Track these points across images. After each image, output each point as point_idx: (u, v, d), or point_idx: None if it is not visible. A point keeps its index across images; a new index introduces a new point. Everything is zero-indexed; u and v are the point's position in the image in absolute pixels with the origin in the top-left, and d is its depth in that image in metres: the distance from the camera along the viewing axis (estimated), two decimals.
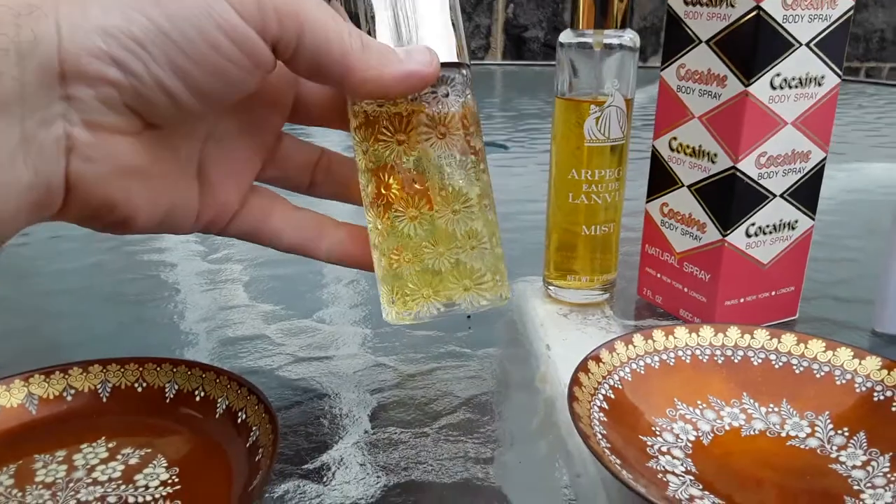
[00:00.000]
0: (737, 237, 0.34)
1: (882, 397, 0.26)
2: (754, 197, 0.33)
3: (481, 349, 0.35)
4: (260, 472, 0.23)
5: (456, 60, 0.30)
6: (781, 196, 0.34)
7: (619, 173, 0.36)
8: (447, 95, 0.30)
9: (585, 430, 0.23)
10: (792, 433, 0.26)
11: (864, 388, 0.27)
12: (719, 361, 0.29)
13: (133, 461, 0.25)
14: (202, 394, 0.27)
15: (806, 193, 0.35)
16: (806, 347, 0.28)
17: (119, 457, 0.25)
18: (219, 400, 0.27)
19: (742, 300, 0.35)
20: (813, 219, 0.35)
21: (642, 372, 0.28)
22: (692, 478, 0.24)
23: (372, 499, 0.24)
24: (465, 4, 1.82)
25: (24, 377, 0.27)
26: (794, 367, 0.28)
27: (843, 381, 0.27)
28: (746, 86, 0.31)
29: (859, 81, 1.23)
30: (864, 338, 0.35)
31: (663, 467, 0.24)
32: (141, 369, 0.28)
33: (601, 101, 0.34)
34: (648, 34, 1.99)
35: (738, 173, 0.32)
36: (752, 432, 0.26)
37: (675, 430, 0.26)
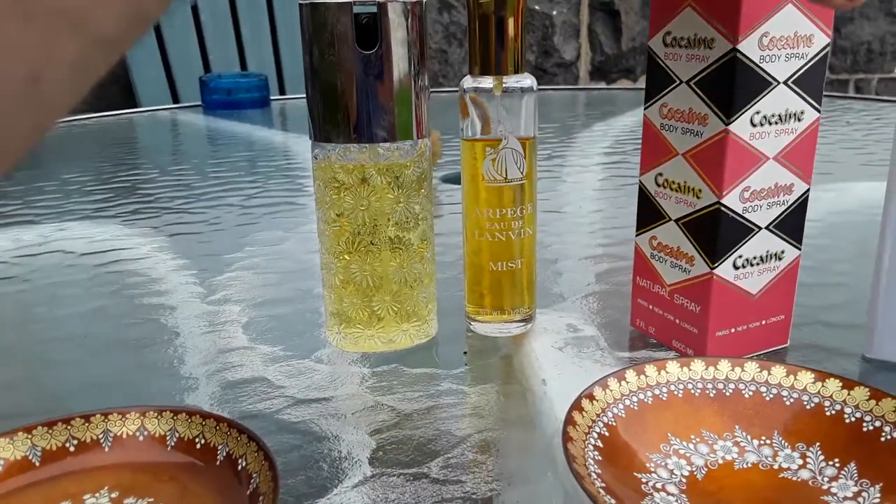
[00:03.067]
0: (724, 270, 0.34)
1: (871, 427, 0.26)
2: (740, 230, 0.34)
3: (478, 385, 0.35)
4: None
5: (415, 136, 0.35)
6: (767, 228, 0.35)
7: (523, 212, 0.38)
8: (407, 166, 0.36)
9: (580, 470, 0.24)
10: (784, 465, 0.27)
11: (853, 419, 0.27)
12: (711, 395, 0.29)
13: None
14: (203, 441, 0.28)
15: (791, 224, 0.35)
16: (795, 379, 0.29)
17: None
18: (219, 447, 0.27)
19: (733, 330, 0.36)
20: (799, 248, 0.36)
21: (636, 408, 0.28)
22: None
23: None
24: (457, 31, 1.84)
25: (26, 430, 0.28)
26: (785, 399, 0.29)
27: (833, 412, 0.28)
28: (727, 124, 0.32)
29: (847, 97, 1.25)
30: (856, 364, 0.36)
31: None
32: (142, 418, 0.29)
33: (496, 143, 0.36)
34: (637, 54, 2.01)
35: (722, 208, 0.33)
36: (745, 465, 0.27)
37: (670, 466, 0.26)
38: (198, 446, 0.28)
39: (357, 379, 0.36)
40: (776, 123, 0.33)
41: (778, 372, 0.29)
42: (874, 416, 0.27)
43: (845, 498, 0.25)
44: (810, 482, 0.26)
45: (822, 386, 0.28)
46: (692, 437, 0.28)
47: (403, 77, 0.35)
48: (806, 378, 0.29)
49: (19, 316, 0.45)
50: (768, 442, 0.28)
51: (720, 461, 0.27)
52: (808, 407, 0.28)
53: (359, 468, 0.29)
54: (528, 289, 0.40)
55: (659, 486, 0.25)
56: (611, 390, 0.28)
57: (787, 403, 0.28)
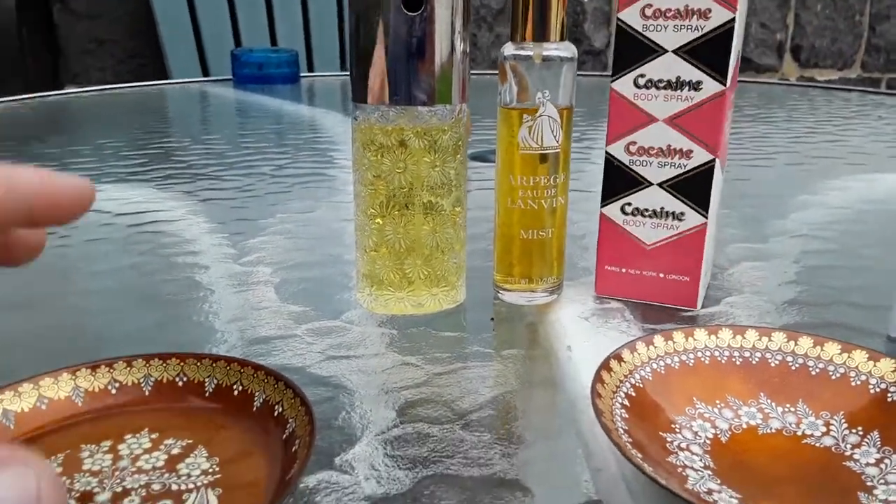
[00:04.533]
0: (611, 211, 0.39)
1: (895, 398, 0.27)
2: (626, 179, 0.38)
3: (505, 350, 0.36)
4: (297, 462, 0.24)
5: (454, 101, 0.36)
6: (660, 185, 0.38)
7: (556, 180, 0.38)
8: (444, 131, 0.36)
9: (608, 424, 0.24)
10: (808, 432, 0.27)
11: (878, 390, 0.27)
12: (737, 363, 0.30)
13: (175, 451, 0.26)
14: (240, 388, 0.29)
15: (691, 189, 0.37)
16: (822, 350, 0.29)
17: (162, 447, 0.27)
18: (256, 394, 0.28)
19: (624, 270, 0.40)
20: (704, 216, 0.38)
21: (662, 372, 0.29)
22: (710, 472, 0.25)
23: (402, 490, 0.25)
24: (486, 14, 1.84)
25: (71, 370, 0.29)
26: (811, 369, 0.29)
27: (858, 383, 0.28)
28: (611, 82, 0.37)
29: (878, 93, 1.23)
30: (880, 343, 0.36)
31: (682, 462, 0.25)
32: (182, 364, 0.30)
33: (533, 111, 0.36)
34: None
35: (607, 155, 0.39)
36: (768, 431, 0.27)
37: (694, 428, 0.27)
38: (235, 393, 0.29)
39: (387, 339, 0.37)
40: (665, 88, 0.36)
41: (805, 342, 0.30)
42: None
43: (867, 464, 0.25)
44: (833, 449, 0.26)
45: (849, 357, 0.29)
46: (717, 402, 0.28)
47: (446, 42, 0.35)
48: (832, 349, 0.29)
49: (59, 268, 0.46)
50: (792, 409, 0.28)
51: (744, 426, 0.27)
52: (833, 377, 0.28)
53: (389, 420, 0.30)
54: (557, 259, 0.40)
55: (684, 445, 0.26)
56: (639, 353, 0.29)
57: (813, 373, 0.29)
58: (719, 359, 0.30)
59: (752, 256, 0.47)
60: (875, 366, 0.28)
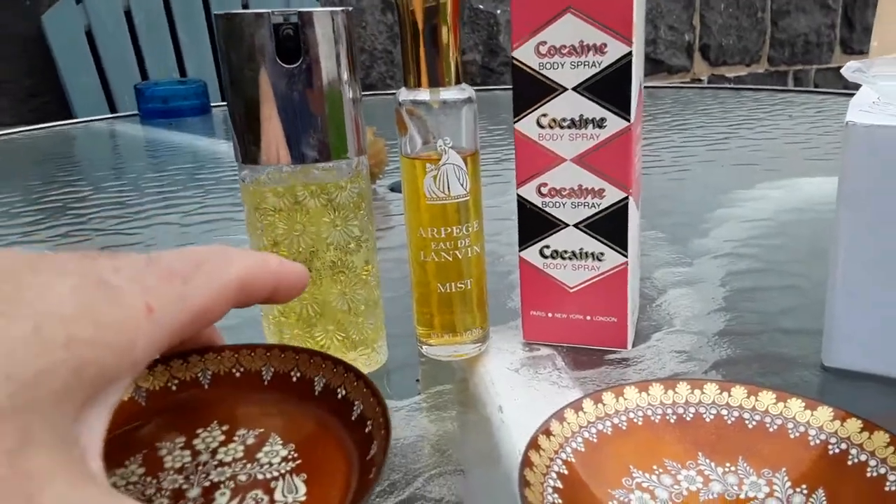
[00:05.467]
0: (531, 255, 0.38)
1: (837, 450, 0.26)
2: (542, 222, 0.37)
3: (433, 414, 0.33)
4: (375, 441, 0.23)
5: (349, 155, 0.34)
6: (576, 226, 0.36)
7: (469, 229, 0.36)
8: (342, 187, 0.34)
9: None
10: (751, 494, 0.26)
11: (818, 441, 0.26)
12: (672, 420, 0.28)
13: (250, 441, 0.26)
14: (298, 374, 0.28)
15: (607, 228, 0.36)
16: (757, 400, 0.28)
17: (236, 438, 0.26)
18: (315, 379, 0.28)
19: (550, 315, 0.38)
20: (625, 255, 0.36)
21: (594, 440, 0.27)
22: None
23: None
24: None
25: None
26: (747, 422, 0.28)
27: (797, 435, 0.27)
28: (514, 123, 0.36)
29: (788, 91, 1.27)
30: (815, 373, 0.35)
31: None
32: (236, 356, 0.29)
33: (436, 159, 0.34)
34: None
35: (520, 199, 0.37)
36: (710, 496, 0.26)
37: (633, 502, 0.25)
38: (294, 379, 0.28)
39: None
40: (569, 127, 0.35)
41: (738, 393, 0.28)
42: (839, 437, 0.26)
43: None
44: None
45: (785, 406, 0.27)
46: (655, 467, 0.27)
47: (332, 92, 0.33)
48: (767, 398, 0.28)
49: None
50: (733, 469, 0.27)
51: (685, 493, 0.26)
52: (770, 430, 0.27)
53: None
54: (479, 308, 0.38)
55: None
56: (568, 423, 0.27)
57: (750, 426, 0.27)
58: (652, 418, 0.28)
59: (679, 282, 0.46)
60: (812, 415, 0.27)
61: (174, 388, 0.28)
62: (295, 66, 0.31)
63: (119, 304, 0.19)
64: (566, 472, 0.25)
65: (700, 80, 2.18)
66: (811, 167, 0.74)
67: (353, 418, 0.26)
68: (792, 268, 0.49)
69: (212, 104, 1.25)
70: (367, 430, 0.25)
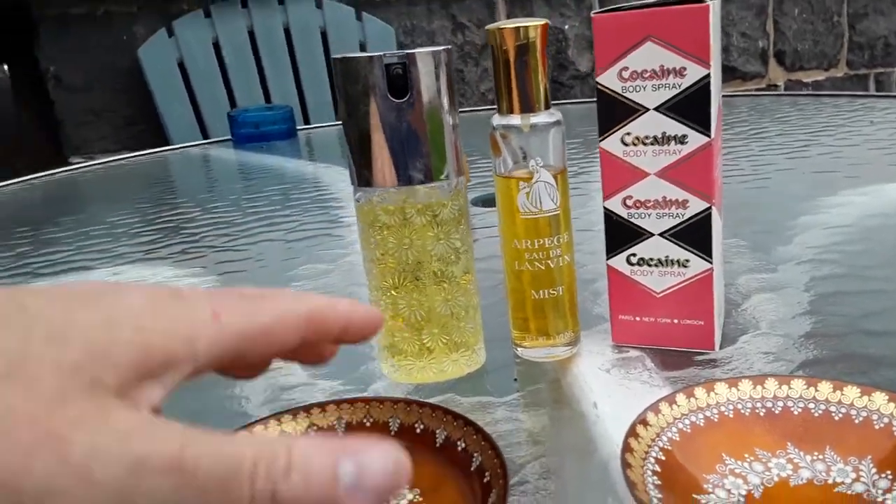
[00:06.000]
0: (618, 263, 0.41)
1: None
2: (627, 232, 0.40)
3: (531, 411, 0.36)
4: (494, 490, 0.27)
5: (450, 176, 0.37)
6: (661, 235, 0.39)
7: (560, 240, 0.39)
8: (444, 204, 0.38)
9: (642, 497, 0.25)
10: (838, 479, 0.28)
11: None
12: (761, 413, 0.30)
13: None
14: (421, 426, 0.32)
15: (692, 237, 0.38)
16: (842, 394, 0.30)
17: None
18: (437, 431, 0.32)
19: (637, 318, 0.41)
20: (709, 262, 0.39)
21: (688, 430, 0.29)
22: None
23: None
24: (471, 50, 1.87)
25: (276, 418, 0.33)
26: (833, 414, 0.30)
27: (882, 426, 0.29)
28: (599, 142, 0.39)
29: (868, 96, 1.25)
30: None
31: None
32: (367, 407, 0.34)
33: (528, 178, 0.37)
34: None
35: (606, 211, 0.40)
36: (800, 482, 0.28)
37: (727, 486, 0.28)
38: (417, 431, 0.32)
39: None
40: (652, 144, 0.37)
41: (824, 388, 0.30)
42: None
43: None
44: (865, 495, 0.27)
45: (869, 400, 0.29)
46: (746, 455, 0.29)
47: (435, 121, 0.37)
48: (852, 393, 0.30)
49: None
50: (820, 457, 0.29)
51: (776, 478, 0.28)
52: (856, 421, 0.29)
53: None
54: (570, 313, 0.41)
55: None
56: (663, 415, 0.30)
57: (836, 419, 0.30)
58: (742, 411, 0.30)
59: (763, 288, 0.48)
60: None
61: (313, 433, 0.33)
62: (403, 100, 0.36)
63: (187, 308, 0.21)
64: (663, 457, 0.28)
65: (776, 86, 2.15)
66: (895, 172, 0.74)
67: (472, 468, 0.29)
68: (876, 272, 0.50)
69: (297, 128, 1.32)
70: (485, 479, 0.28)
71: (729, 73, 2.08)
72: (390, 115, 0.36)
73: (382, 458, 0.20)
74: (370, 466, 0.19)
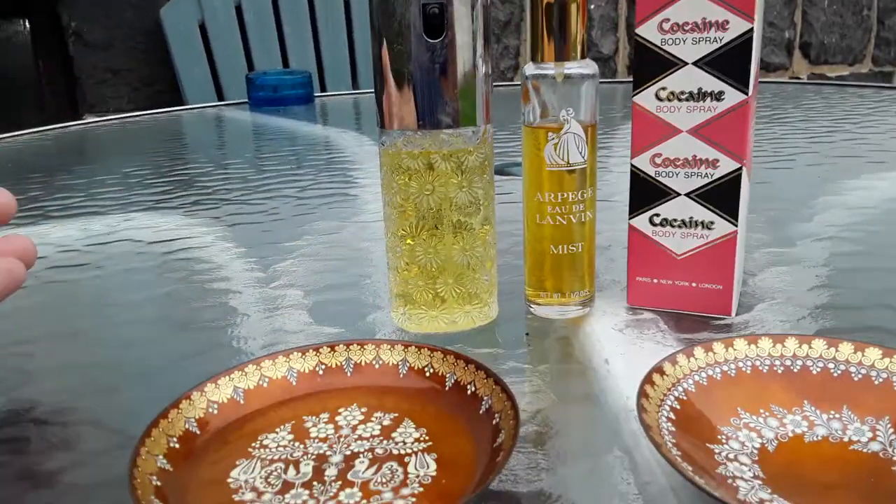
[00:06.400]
0: (640, 223, 0.40)
1: None
2: (653, 191, 0.39)
3: (541, 365, 0.36)
4: (503, 431, 0.27)
5: (479, 123, 0.37)
6: (688, 196, 0.38)
7: (584, 195, 0.38)
8: (470, 152, 0.37)
9: (657, 439, 0.24)
10: (854, 438, 0.27)
11: None
12: (779, 371, 0.30)
13: (386, 422, 0.30)
14: (431, 370, 0.32)
15: (719, 197, 0.38)
16: (863, 355, 0.29)
17: (374, 419, 0.30)
18: (447, 375, 0.31)
19: (655, 281, 0.40)
20: (735, 224, 0.38)
21: (705, 383, 0.29)
22: (761, 482, 0.25)
23: None
24: (494, 27, 1.85)
25: (285, 354, 0.33)
26: (853, 375, 0.29)
27: None
28: (633, 97, 0.38)
29: (894, 88, 1.23)
30: None
31: (732, 473, 0.25)
32: (377, 349, 0.33)
33: (558, 129, 0.37)
34: None
35: (633, 168, 0.39)
36: (815, 438, 0.27)
37: (741, 438, 0.27)
38: (427, 374, 0.32)
39: None
40: (687, 100, 0.36)
41: (845, 348, 0.30)
42: None
43: None
44: (881, 454, 0.26)
45: (891, 361, 0.29)
46: (761, 411, 0.28)
47: (468, 66, 0.36)
48: (874, 354, 0.29)
49: (95, 300, 0.47)
50: (837, 416, 0.28)
51: (790, 434, 0.27)
52: (876, 382, 0.29)
53: None
54: (588, 272, 0.40)
55: (732, 456, 0.26)
56: (680, 366, 0.29)
57: (856, 379, 0.29)
58: (761, 368, 0.30)
59: (781, 261, 0.47)
60: None
61: (321, 372, 0.33)
62: (438, 41, 0.35)
63: None
64: (678, 406, 0.27)
65: (799, 79, 2.12)
66: None
67: (481, 411, 0.29)
68: None
69: (315, 94, 1.32)
70: (494, 421, 0.28)
71: None
72: (423, 56, 0.35)
73: None
74: None
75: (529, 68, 0.38)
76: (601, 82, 1.49)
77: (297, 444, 0.29)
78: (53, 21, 1.60)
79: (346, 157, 0.85)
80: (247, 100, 1.27)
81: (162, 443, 0.27)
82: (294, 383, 0.32)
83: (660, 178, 0.39)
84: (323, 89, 1.66)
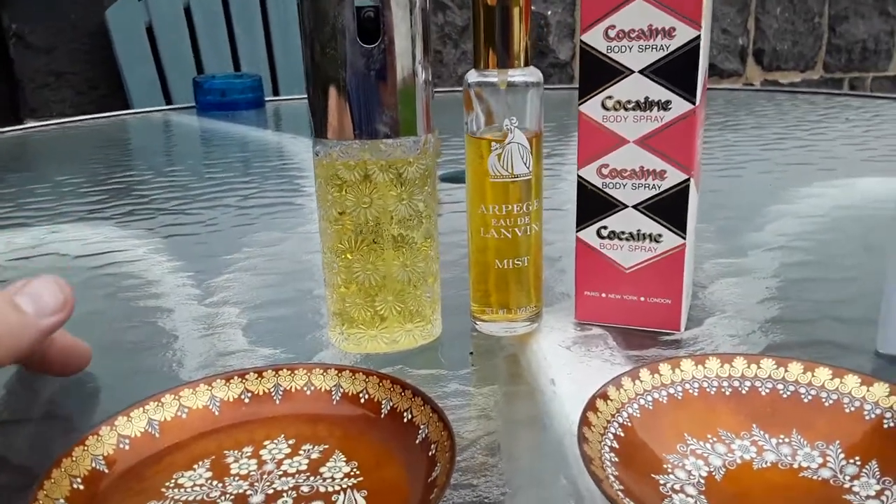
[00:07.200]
0: (588, 235, 0.38)
1: (892, 424, 0.26)
2: (600, 203, 0.38)
3: (485, 386, 0.34)
4: (438, 464, 0.25)
5: (418, 132, 0.35)
6: (635, 207, 0.37)
7: (529, 208, 0.37)
8: (410, 163, 0.35)
9: (598, 472, 0.23)
10: (804, 464, 0.26)
11: (873, 416, 0.26)
12: (727, 393, 0.28)
13: (315, 456, 0.28)
14: (367, 396, 0.30)
15: (667, 210, 0.37)
16: (813, 376, 0.28)
17: (301, 452, 0.28)
18: (383, 402, 0.29)
19: (603, 295, 0.39)
20: (683, 237, 0.37)
21: (650, 407, 0.27)
22: None
23: None
24: (451, 31, 1.83)
25: (207, 381, 0.30)
26: (803, 396, 0.28)
27: (852, 409, 0.27)
28: (579, 105, 0.36)
29: (843, 94, 1.24)
30: (869, 360, 0.35)
31: None
32: (309, 374, 0.31)
33: (501, 139, 0.35)
34: None
35: (580, 179, 0.37)
36: (763, 465, 0.26)
37: (687, 467, 0.26)
38: (362, 401, 0.30)
39: None
40: (634, 109, 0.35)
41: (795, 368, 0.28)
42: (895, 412, 0.26)
43: (868, 497, 0.24)
44: (831, 481, 0.25)
45: (841, 382, 0.28)
46: (709, 436, 0.27)
47: (406, 72, 0.34)
48: (823, 374, 0.28)
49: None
50: (787, 440, 0.27)
51: (738, 461, 0.26)
52: (826, 404, 0.27)
53: None
54: (534, 287, 0.39)
55: (678, 487, 0.25)
56: (625, 389, 0.27)
57: (805, 401, 0.28)
58: (708, 390, 0.28)
59: (732, 272, 0.46)
60: (868, 391, 0.27)
61: (247, 400, 0.30)
62: (373, 46, 0.33)
63: None
64: (622, 434, 0.26)
65: (752, 85, 2.15)
66: (868, 168, 0.73)
67: (417, 441, 0.27)
68: (846, 261, 0.48)
69: (265, 98, 1.28)
70: (430, 453, 0.26)
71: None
72: (358, 62, 0.33)
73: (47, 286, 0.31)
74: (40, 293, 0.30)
75: (472, 76, 0.36)
76: (558, 88, 1.49)
77: (215, 482, 0.26)
78: None
79: (294, 164, 0.83)
80: (194, 104, 1.24)
81: (64, 484, 0.25)
82: (217, 413, 0.30)
83: (607, 190, 0.37)
84: (276, 93, 1.63)
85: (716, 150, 0.82)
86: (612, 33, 0.35)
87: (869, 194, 0.63)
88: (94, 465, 0.26)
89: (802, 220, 0.56)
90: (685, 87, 0.34)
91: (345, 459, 0.27)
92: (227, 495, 0.26)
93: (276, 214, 0.63)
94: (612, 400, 0.27)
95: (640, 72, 0.35)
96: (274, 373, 0.31)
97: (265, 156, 0.90)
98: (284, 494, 0.25)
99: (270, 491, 0.26)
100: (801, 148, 0.82)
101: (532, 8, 0.35)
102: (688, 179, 0.36)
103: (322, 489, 0.26)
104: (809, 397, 0.28)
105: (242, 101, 1.21)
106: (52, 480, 0.25)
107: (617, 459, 0.25)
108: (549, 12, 1.92)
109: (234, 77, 1.32)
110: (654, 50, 0.34)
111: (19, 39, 1.56)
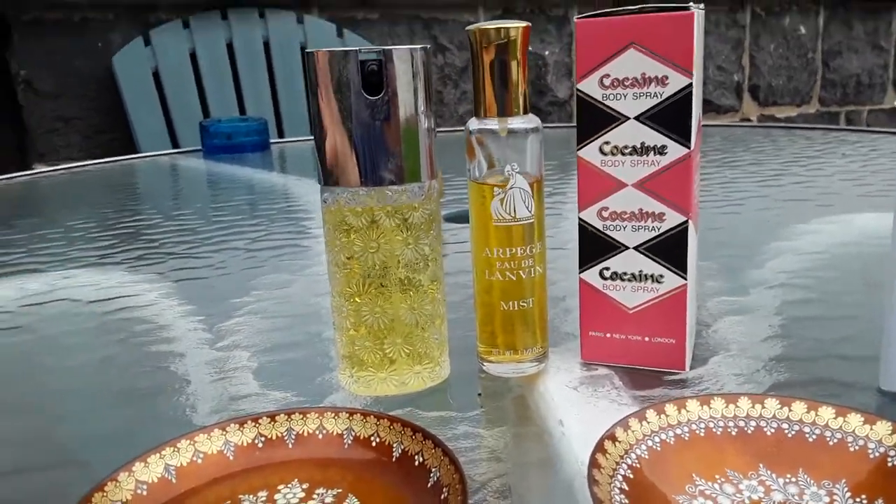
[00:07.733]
0: (591, 276, 0.39)
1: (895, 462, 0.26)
2: (602, 244, 0.39)
3: (495, 428, 0.35)
4: None
5: (422, 178, 0.36)
6: (636, 249, 0.38)
7: (533, 250, 0.38)
8: (415, 208, 0.36)
9: None
10: (811, 503, 0.26)
11: (877, 454, 0.27)
12: (733, 433, 0.29)
13: (328, 500, 0.28)
14: (378, 439, 0.30)
15: (667, 251, 0.37)
16: (817, 415, 0.29)
17: (315, 496, 0.28)
18: (394, 445, 0.30)
19: (608, 335, 0.39)
20: (684, 277, 0.38)
21: (658, 448, 0.28)
22: None
23: None
24: (451, 72, 1.87)
25: (221, 426, 0.31)
26: (807, 435, 0.28)
27: (856, 448, 0.27)
28: (577, 151, 0.38)
29: (840, 129, 1.26)
30: (872, 397, 0.36)
31: None
32: (321, 418, 0.32)
33: (504, 184, 0.36)
34: None
35: (581, 222, 0.39)
36: None
37: None
38: (373, 444, 0.30)
39: None
40: (631, 154, 0.36)
41: (798, 408, 0.29)
42: None
43: None
44: None
45: (844, 421, 0.28)
46: (717, 476, 0.28)
47: (409, 121, 0.35)
48: (827, 413, 0.29)
49: (27, 368, 0.44)
50: (794, 480, 0.27)
51: (747, 501, 0.27)
52: (830, 443, 0.28)
53: None
54: (540, 327, 0.40)
55: None
56: (633, 430, 0.28)
57: (810, 440, 0.28)
58: (714, 430, 0.29)
59: (734, 310, 0.47)
60: (872, 429, 0.27)
61: (261, 444, 0.31)
62: (377, 97, 0.34)
63: None
64: (632, 475, 0.26)
65: (749, 121, 2.18)
66: (865, 203, 0.74)
67: (429, 485, 0.27)
68: (847, 298, 0.49)
69: (270, 141, 1.31)
70: (442, 496, 0.26)
71: (703, 106, 2.10)
72: (363, 113, 0.35)
73: None
74: None
75: (473, 123, 0.37)
76: (558, 127, 1.51)
77: None
78: (2, 69, 1.57)
79: (300, 206, 0.84)
80: (201, 148, 1.26)
81: None
82: (231, 458, 0.30)
83: (608, 232, 0.38)
84: (281, 135, 1.65)
85: (714, 187, 0.83)
86: (606, 81, 0.36)
87: (866, 230, 0.64)
88: None
89: (802, 258, 0.57)
90: (680, 132, 0.36)
91: (358, 503, 0.28)
92: None
93: (284, 257, 0.64)
94: (620, 441, 0.27)
95: (636, 118, 0.36)
96: (286, 417, 0.32)
97: (271, 198, 0.91)
98: None
99: None
100: (798, 184, 0.84)
101: (529, 48, 0.36)
102: (686, 221, 0.37)
103: None
104: (814, 436, 0.28)
105: (248, 143, 1.23)
106: None
107: (627, 501, 0.25)
108: (547, 52, 1.96)
109: (240, 120, 1.34)
110: (648, 97, 0.36)
111: (28, 85, 1.59)
